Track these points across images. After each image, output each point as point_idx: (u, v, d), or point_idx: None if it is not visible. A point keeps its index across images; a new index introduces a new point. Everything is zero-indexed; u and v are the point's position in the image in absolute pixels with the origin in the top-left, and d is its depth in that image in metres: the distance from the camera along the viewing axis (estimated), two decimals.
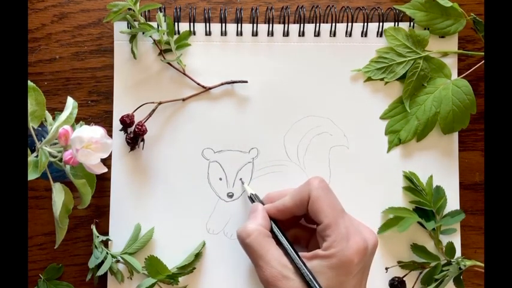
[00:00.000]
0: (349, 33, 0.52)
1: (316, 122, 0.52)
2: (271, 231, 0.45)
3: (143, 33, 0.50)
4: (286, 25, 0.52)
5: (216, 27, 0.52)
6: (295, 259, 0.43)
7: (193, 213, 0.51)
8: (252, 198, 0.49)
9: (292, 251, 0.43)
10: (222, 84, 0.52)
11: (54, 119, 0.44)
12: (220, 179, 0.51)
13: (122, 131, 0.50)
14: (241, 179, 0.51)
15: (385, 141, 0.52)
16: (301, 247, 0.47)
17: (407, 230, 0.49)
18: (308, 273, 0.41)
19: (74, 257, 0.52)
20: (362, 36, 0.52)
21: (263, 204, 0.48)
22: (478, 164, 0.53)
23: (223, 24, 0.52)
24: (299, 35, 0.52)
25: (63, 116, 0.43)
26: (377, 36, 0.52)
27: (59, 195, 0.42)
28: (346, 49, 0.52)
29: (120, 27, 0.51)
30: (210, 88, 0.52)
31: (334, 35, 0.52)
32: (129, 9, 0.49)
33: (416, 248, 0.51)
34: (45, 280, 0.51)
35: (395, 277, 0.51)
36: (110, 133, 0.51)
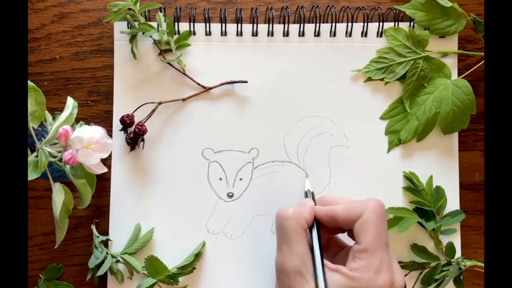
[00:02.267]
0: (349, 33, 0.52)
1: (316, 122, 0.52)
2: (309, 229, 0.44)
3: (143, 33, 0.50)
4: (286, 25, 0.52)
5: (216, 27, 0.52)
6: (318, 264, 0.41)
7: (193, 213, 0.51)
8: (307, 194, 0.48)
9: (319, 256, 0.42)
10: (222, 84, 0.52)
11: (54, 119, 0.44)
12: (220, 179, 0.51)
13: (122, 131, 0.50)
14: (307, 174, 0.51)
15: (385, 141, 0.52)
16: (327, 255, 0.45)
17: (407, 230, 0.49)
18: (323, 283, 0.40)
19: (74, 257, 0.52)
20: (362, 36, 0.52)
21: (315, 203, 0.46)
22: (478, 164, 0.53)
23: (223, 24, 0.52)
24: (299, 35, 0.52)
25: (63, 116, 0.43)
26: (377, 36, 0.52)
27: (59, 195, 0.42)
28: (346, 49, 0.52)
29: (120, 27, 0.51)
30: (210, 88, 0.52)
31: (334, 35, 0.52)
32: (129, 9, 0.49)
33: (416, 248, 0.51)
34: (45, 280, 0.51)
35: None
36: (110, 133, 0.51)
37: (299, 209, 0.44)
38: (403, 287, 0.42)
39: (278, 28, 0.52)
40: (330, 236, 0.47)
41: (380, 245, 0.41)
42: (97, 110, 0.52)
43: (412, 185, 0.51)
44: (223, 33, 0.52)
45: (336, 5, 0.53)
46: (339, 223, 0.43)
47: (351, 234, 0.44)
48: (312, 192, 0.49)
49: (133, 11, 0.49)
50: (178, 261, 0.50)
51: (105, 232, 0.51)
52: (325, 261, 0.42)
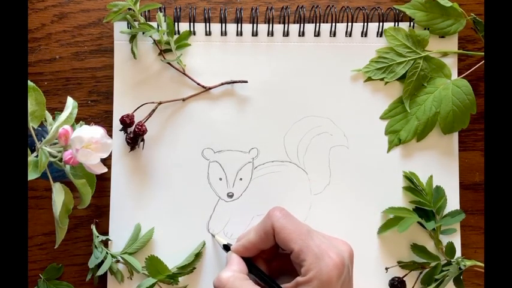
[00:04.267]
0: (349, 33, 0.52)
1: (316, 122, 0.52)
2: (252, 273, 0.45)
3: (143, 33, 0.50)
4: (286, 25, 0.52)
5: (216, 27, 0.52)
6: None
7: (193, 213, 0.51)
8: (228, 247, 0.48)
9: (274, 285, 0.44)
10: (222, 84, 0.52)
11: (54, 119, 0.44)
12: (220, 179, 0.51)
13: (122, 131, 0.50)
14: (210, 233, 0.51)
15: (385, 141, 0.52)
16: (290, 276, 0.45)
17: (407, 230, 0.49)
18: None
19: (74, 257, 0.52)
20: (362, 36, 0.52)
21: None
22: (478, 164, 0.53)
23: (223, 24, 0.52)
24: (299, 35, 0.52)
25: (63, 116, 0.43)
26: (377, 36, 0.52)
27: (59, 195, 0.42)
28: (346, 49, 0.52)
29: (120, 27, 0.51)
30: (210, 88, 0.52)
31: (334, 35, 0.52)
32: (129, 9, 0.49)
33: (416, 248, 0.51)
34: (45, 280, 0.51)
35: (395, 277, 0.51)
36: (110, 133, 0.51)
37: (228, 268, 0.44)
38: (351, 250, 0.44)
39: (278, 28, 0.52)
40: (278, 259, 0.47)
41: (305, 237, 0.42)
42: (97, 110, 0.52)
43: (412, 184, 0.51)
44: (223, 33, 0.52)
45: (336, 5, 0.53)
46: (260, 247, 0.45)
47: (281, 249, 0.45)
48: (229, 244, 0.49)
49: (133, 11, 0.49)
50: (178, 261, 0.50)
51: (105, 232, 0.51)
52: (283, 285, 0.43)
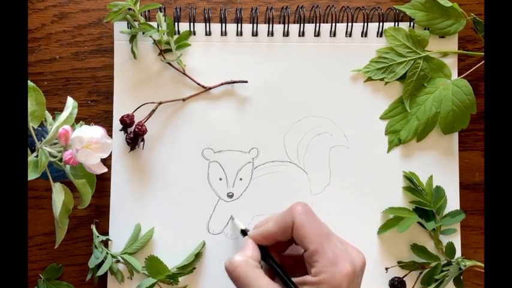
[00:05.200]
0: (349, 33, 0.52)
1: (316, 122, 0.52)
2: (264, 261, 0.45)
3: (143, 33, 0.50)
4: (286, 25, 0.52)
5: (216, 27, 0.52)
6: (289, 285, 0.42)
7: (194, 213, 0.51)
8: (245, 233, 0.48)
9: (285, 277, 0.43)
10: (222, 84, 0.52)
11: (54, 119, 0.44)
12: (220, 179, 0.51)
13: (122, 131, 0.50)
14: (232, 216, 0.51)
15: (385, 141, 0.52)
16: (299, 271, 0.46)
17: (407, 230, 0.49)
18: None
19: (74, 257, 0.52)
20: (362, 36, 0.52)
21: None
22: (478, 164, 0.53)
23: (223, 24, 0.52)
24: (299, 35, 0.52)
25: (63, 116, 0.43)
26: (377, 36, 0.52)
27: (59, 195, 0.42)
28: (346, 49, 0.52)
29: (120, 27, 0.51)
30: (210, 88, 0.52)
31: (334, 35, 0.52)
32: (129, 9, 0.49)
33: (416, 248, 0.51)
34: (45, 280, 0.51)
35: (396, 277, 0.51)
36: (110, 133, 0.51)
37: (242, 252, 0.44)
38: (364, 261, 0.43)
39: (278, 28, 0.52)
40: (281, 256, 0.47)
41: (324, 239, 0.42)
42: (97, 110, 0.52)
43: (412, 185, 0.51)
44: (223, 33, 0.52)
45: (336, 5, 0.53)
46: (277, 238, 0.45)
47: (296, 243, 0.45)
48: (245, 229, 0.49)
49: (134, 11, 0.49)
50: (178, 261, 0.50)
51: (105, 232, 0.51)
52: (292, 279, 0.43)
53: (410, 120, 0.52)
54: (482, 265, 0.50)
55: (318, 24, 0.52)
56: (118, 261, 0.50)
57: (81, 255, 0.52)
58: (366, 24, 0.52)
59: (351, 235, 0.50)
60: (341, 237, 0.44)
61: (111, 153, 0.50)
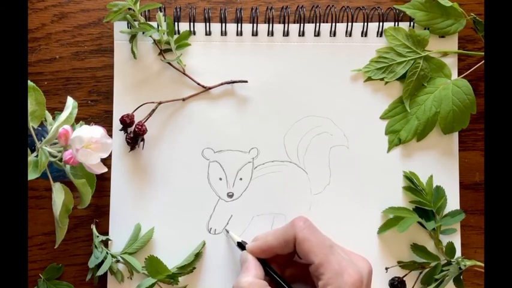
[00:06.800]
0: (349, 33, 0.52)
1: (316, 122, 0.52)
2: (267, 274, 0.45)
3: (143, 33, 0.50)
4: (286, 25, 0.52)
5: (216, 27, 0.52)
6: None
7: (194, 213, 0.51)
8: (242, 245, 0.48)
9: None
10: (222, 84, 0.52)
11: (54, 119, 0.44)
12: (220, 179, 0.51)
13: (122, 131, 0.50)
14: (226, 229, 0.51)
15: (385, 141, 0.52)
16: (302, 285, 0.46)
17: (407, 230, 0.49)
18: None
19: (74, 257, 0.52)
20: (362, 36, 0.52)
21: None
22: (478, 164, 0.53)
23: (223, 24, 0.52)
24: (299, 35, 0.52)
25: (63, 116, 0.43)
26: (377, 36, 0.52)
27: (59, 195, 0.42)
28: (346, 49, 0.52)
29: (120, 27, 0.51)
30: (210, 88, 0.52)
31: (334, 35, 0.52)
32: (129, 9, 0.49)
33: (416, 248, 0.51)
34: (45, 280, 0.51)
35: (396, 277, 0.51)
36: (110, 133, 0.51)
37: (247, 273, 0.44)
38: (370, 268, 0.44)
39: (278, 28, 0.52)
40: (291, 267, 0.47)
41: (328, 251, 0.42)
42: (97, 110, 0.52)
43: (412, 184, 0.51)
44: (223, 33, 0.52)
45: (336, 4, 0.53)
46: (276, 252, 0.45)
47: (298, 257, 0.45)
48: (244, 241, 0.49)
49: (133, 10, 0.49)
50: (178, 261, 0.50)
51: (105, 232, 0.51)
52: None
53: (410, 120, 0.52)
54: (482, 265, 0.50)
55: (318, 24, 0.52)
56: (118, 261, 0.50)
57: (81, 255, 0.52)
58: (366, 24, 0.52)
59: (351, 235, 0.50)
60: (344, 247, 0.45)
61: (111, 153, 0.50)
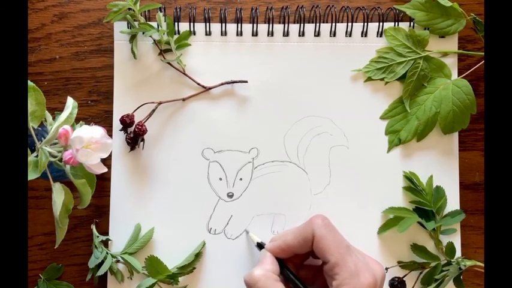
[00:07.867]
0: (349, 33, 0.52)
1: (316, 122, 0.52)
2: (281, 274, 0.45)
3: (143, 33, 0.50)
4: (286, 25, 0.52)
5: (216, 27, 0.52)
6: None
7: (194, 213, 0.51)
8: (261, 246, 0.48)
9: None
10: (222, 84, 0.52)
11: (54, 119, 0.44)
12: (220, 179, 0.51)
13: (122, 131, 0.50)
14: (246, 230, 0.51)
15: (385, 141, 0.52)
16: (317, 285, 0.46)
17: (407, 230, 0.49)
18: None
19: (74, 257, 0.52)
20: (362, 36, 0.52)
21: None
22: (478, 164, 0.53)
23: (223, 24, 0.52)
24: (299, 35, 0.52)
25: (63, 116, 0.43)
26: (377, 36, 0.52)
27: (59, 195, 0.42)
28: (346, 49, 0.52)
29: (120, 27, 0.51)
30: (210, 88, 0.52)
31: (334, 35, 0.52)
32: (129, 9, 0.49)
33: (416, 248, 0.51)
34: (45, 280, 0.51)
35: (396, 277, 0.51)
36: (110, 133, 0.51)
37: (260, 266, 0.44)
38: (383, 272, 0.44)
39: (278, 28, 0.52)
40: (300, 269, 0.47)
41: (345, 251, 0.42)
42: (97, 110, 0.52)
43: (412, 184, 0.51)
44: (223, 33, 0.52)
45: (336, 5, 0.53)
46: (296, 251, 0.45)
47: (314, 255, 0.45)
48: (261, 243, 0.49)
49: (133, 11, 0.49)
50: (178, 261, 0.50)
51: (105, 232, 0.51)
52: None
53: (410, 120, 0.52)
54: (482, 265, 0.50)
55: (318, 24, 0.52)
56: (118, 261, 0.50)
57: (81, 255, 0.52)
58: (366, 24, 0.52)
59: (351, 235, 0.50)
60: (360, 250, 0.45)
61: (111, 153, 0.50)
